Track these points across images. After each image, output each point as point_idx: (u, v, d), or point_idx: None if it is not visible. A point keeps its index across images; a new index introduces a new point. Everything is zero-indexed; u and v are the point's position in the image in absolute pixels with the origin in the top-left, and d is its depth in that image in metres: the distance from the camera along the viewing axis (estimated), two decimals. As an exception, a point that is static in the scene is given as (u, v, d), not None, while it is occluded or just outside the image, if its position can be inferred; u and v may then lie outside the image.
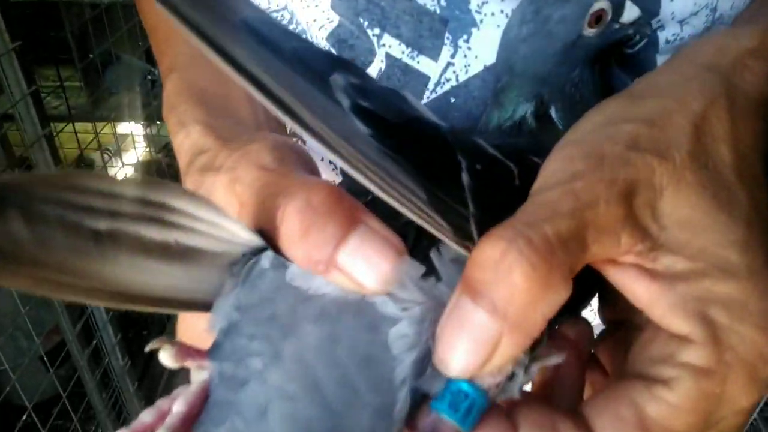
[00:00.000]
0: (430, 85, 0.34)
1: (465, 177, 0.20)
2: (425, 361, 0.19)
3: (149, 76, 1.38)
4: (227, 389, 0.20)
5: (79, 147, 1.22)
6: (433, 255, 0.20)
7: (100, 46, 1.23)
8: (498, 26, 0.32)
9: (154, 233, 0.19)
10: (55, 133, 1.06)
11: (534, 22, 0.28)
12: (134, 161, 1.49)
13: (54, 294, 0.18)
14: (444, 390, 0.19)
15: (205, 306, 0.22)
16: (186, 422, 0.20)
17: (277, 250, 0.21)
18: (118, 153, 1.42)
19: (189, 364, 0.21)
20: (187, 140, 0.32)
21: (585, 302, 0.24)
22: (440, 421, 0.19)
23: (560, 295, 0.18)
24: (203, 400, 0.21)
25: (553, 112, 0.29)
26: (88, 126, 1.28)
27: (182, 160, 0.30)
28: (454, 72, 0.34)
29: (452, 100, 0.34)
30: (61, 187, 0.18)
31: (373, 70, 0.35)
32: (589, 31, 0.28)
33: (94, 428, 1.20)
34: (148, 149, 1.54)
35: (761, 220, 0.20)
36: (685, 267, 0.19)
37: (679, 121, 0.20)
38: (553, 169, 0.20)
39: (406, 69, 0.34)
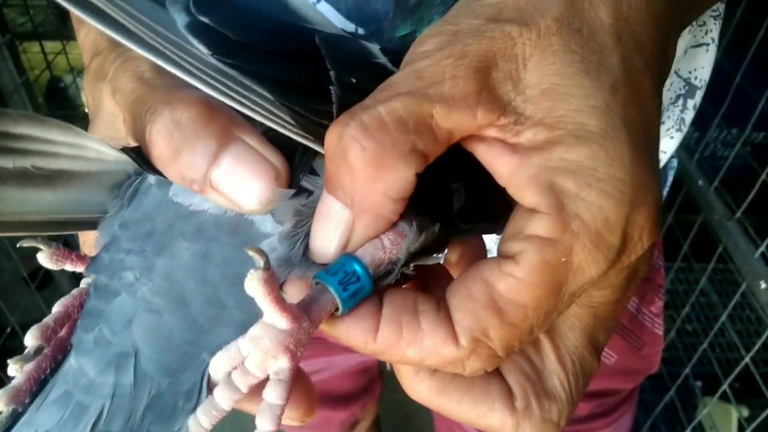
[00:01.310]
0: None
1: (334, 90, 0.19)
2: (301, 269, 0.20)
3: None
4: (99, 299, 0.21)
5: (49, 68, 1.17)
6: (308, 174, 0.20)
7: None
8: None
9: (3, 162, 0.19)
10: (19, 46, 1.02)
11: None
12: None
13: None
14: (337, 267, 0.19)
15: (95, 226, 0.23)
16: (60, 320, 0.22)
17: (152, 167, 0.20)
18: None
19: (68, 267, 0.22)
20: (88, 38, 0.30)
21: (475, 211, 0.23)
22: (321, 294, 0.18)
23: (399, 173, 0.18)
24: (80, 306, 0.22)
25: None
26: (58, 46, 1.23)
27: (85, 60, 0.28)
28: None
29: None
30: None
31: None
32: None
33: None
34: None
35: (630, 83, 0.19)
36: (542, 137, 0.18)
37: None
38: (409, 52, 0.20)
39: None
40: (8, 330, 0.97)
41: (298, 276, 0.20)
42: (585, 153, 0.18)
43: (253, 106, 0.18)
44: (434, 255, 0.22)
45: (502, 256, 0.19)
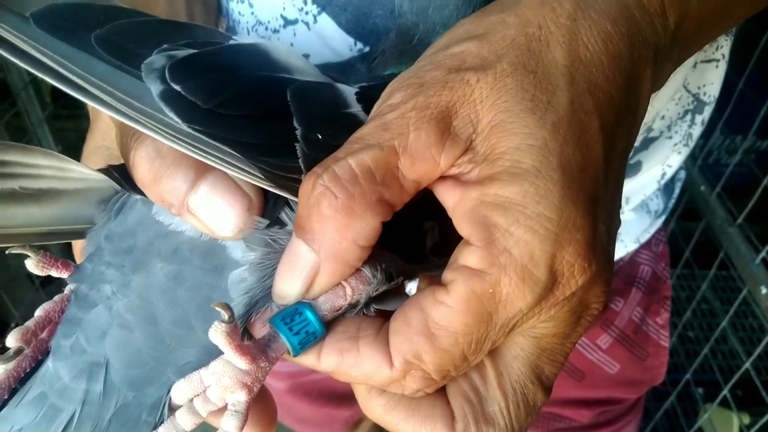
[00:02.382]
0: None
1: (299, 147, 0.21)
2: (259, 305, 0.21)
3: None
4: (78, 308, 0.23)
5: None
6: (284, 208, 0.22)
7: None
8: None
9: None
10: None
11: None
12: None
13: None
14: (286, 310, 0.20)
15: (84, 236, 0.24)
16: (41, 324, 0.23)
17: (135, 188, 0.22)
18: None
19: (54, 273, 0.24)
20: None
21: (431, 251, 0.24)
22: (274, 337, 0.20)
23: (367, 222, 0.19)
24: (62, 311, 0.23)
25: None
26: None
27: None
28: None
29: None
30: None
31: None
32: None
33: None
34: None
35: (576, 124, 0.19)
36: (485, 172, 0.19)
37: (509, 33, 0.21)
38: (378, 103, 0.21)
39: None
40: (12, 325, 0.98)
41: (260, 316, 0.22)
42: (516, 190, 0.19)
43: (225, 164, 0.20)
44: (406, 287, 0.23)
45: (438, 284, 0.20)
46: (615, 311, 0.46)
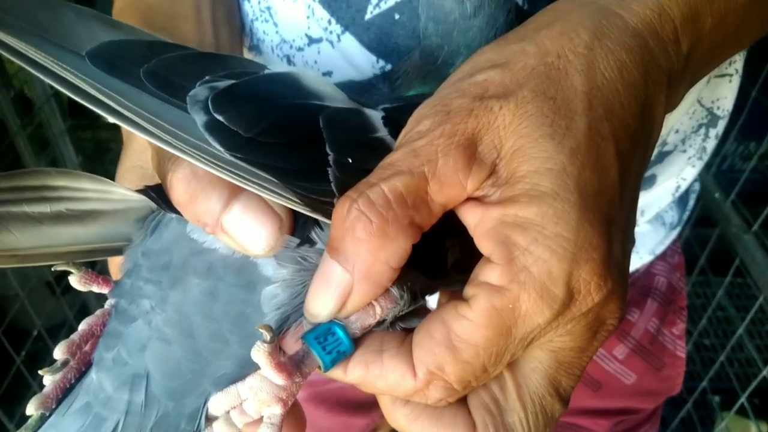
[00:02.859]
0: (373, 0, 0.33)
1: (331, 172, 0.22)
2: (290, 320, 0.22)
3: None
4: (119, 322, 0.24)
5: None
6: (314, 228, 0.23)
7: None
8: None
9: (40, 208, 0.23)
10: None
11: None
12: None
13: None
14: (319, 327, 0.21)
15: (122, 252, 0.25)
16: (85, 337, 0.25)
17: (172, 207, 0.23)
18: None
19: (95, 289, 0.25)
20: None
21: (452, 267, 0.25)
22: (307, 354, 0.21)
23: (400, 245, 0.20)
24: (103, 325, 0.25)
25: None
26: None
27: None
28: None
29: (396, 16, 0.33)
30: None
31: None
32: None
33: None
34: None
35: (592, 149, 0.20)
36: (506, 194, 0.20)
37: (530, 63, 0.22)
38: (405, 129, 0.22)
39: None
40: (34, 333, 1.00)
41: (293, 333, 0.23)
42: (535, 211, 0.20)
43: (262, 190, 0.21)
44: (427, 302, 0.24)
45: (460, 299, 0.21)
46: (631, 322, 0.47)
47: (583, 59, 0.21)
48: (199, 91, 0.21)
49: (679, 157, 0.41)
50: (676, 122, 0.40)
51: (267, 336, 0.20)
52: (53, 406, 0.23)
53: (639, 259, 0.44)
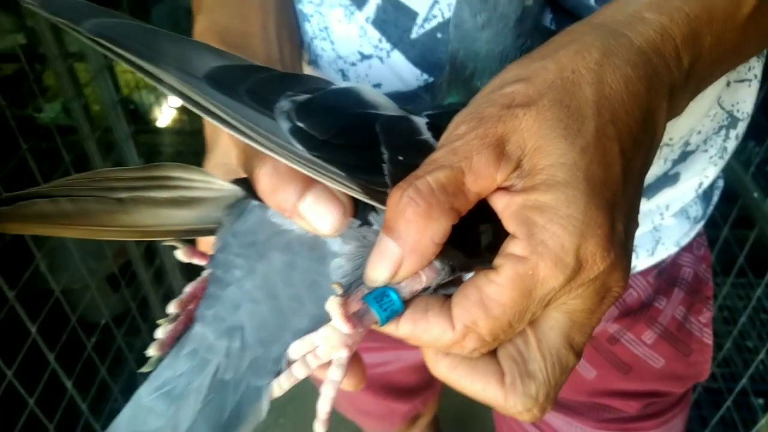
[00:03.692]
0: (419, 21, 0.38)
1: (386, 167, 0.26)
2: (353, 286, 0.27)
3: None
4: (216, 287, 0.29)
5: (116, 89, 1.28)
6: (371, 212, 0.28)
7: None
8: None
9: (162, 194, 0.29)
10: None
11: (485, 10, 0.31)
12: (179, 104, 1.56)
13: (98, 236, 0.27)
14: (376, 291, 0.26)
15: (213, 233, 0.31)
16: (190, 299, 0.30)
17: (257, 196, 0.28)
18: (161, 94, 1.49)
19: (195, 261, 0.31)
20: None
21: (485, 248, 0.29)
22: (367, 311, 0.26)
23: (442, 225, 0.25)
24: (203, 289, 0.30)
25: None
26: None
27: None
28: (439, 9, 0.37)
29: (439, 35, 0.37)
30: (95, 179, 0.28)
31: (371, 5, 0.39)
32: (529, 1, 0.31)
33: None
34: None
35: (600, 147, 0.24)
36: (528, 183, 0.24)
37: (549, 77, 0.25)
38: (446, 133, 0.27)
39: (398, 5, 0.38)
40: (102, 323, 1.09)
41: (356, 295, 0.27)
42: (552, 197, 0.24)
43: (332, 181, 0.26)
44: (461, 276, 0.29)
45: (490, 268, 0.25)
46: (659, 309, 0.50)
47: (594, 74, 0.25)
48: (284, 104, 0.26)
49: (701, 156, 0.44)
50: (698, 124, 0.43)
51: (339, 290, 0.25)
52: (167, 351, 0.28)
53: (665, 250, 0.47)
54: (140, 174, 0.28)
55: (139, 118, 1.51)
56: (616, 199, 0.25)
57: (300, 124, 0.26)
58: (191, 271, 0.32)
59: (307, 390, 0.42)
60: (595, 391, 0.52)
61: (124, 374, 1.15)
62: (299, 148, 0.25)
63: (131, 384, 1.18)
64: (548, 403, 0.27)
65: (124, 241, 0.27)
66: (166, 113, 1.60)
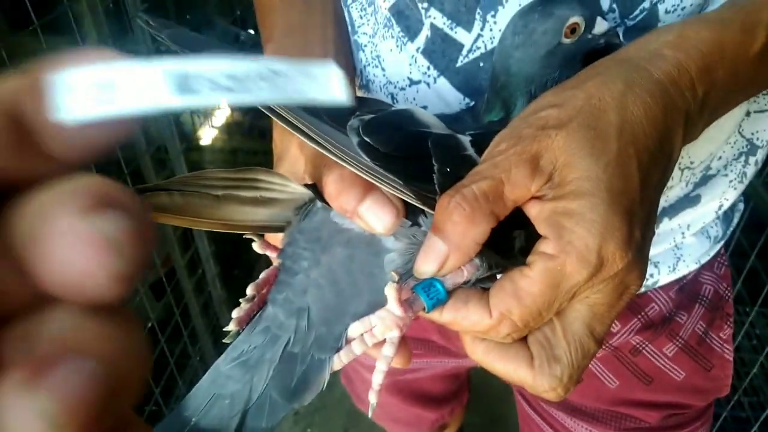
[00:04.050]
0: (464, 52, 0.42)
1: (436, 177, 0.31)
2: (404, 277, 0.31)
3: (242, 37, 1.50)
4: (286, 275, 0.34)
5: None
6: (420, 215, 0.32)
7: (195, 12, 1.36)
8: (519, 5, 0.38)
9: (248, 193, 0.33)
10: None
11: (523, 33, 0.35)
12: (221, 123, 1.64)
13: (195, 226, 0.32)
14: (424, 282, 0.30)
15: (282, 230, 0.35)
16: (264, 284, 0.35)
17: (323, 199, 0.33)
18: (206, 115, 1.57)
19: (268, 253, 0.36)
20: None
21: (518, 251, 0.33)
22: (416, 299, 0.30)
23: (483, 228, 0.28)
24: (275, 276, 0.35)
25: None
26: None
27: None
28: (483, 41, 0.41)
29: (481, 64, 0.42)
30: (199, 178, 0.32)
31: (422, 37, 0.43)
32: (566, 40, 0.35)
33: (198, 348, 1.41)
34: (232, 111, 1.68)
35: (620, 164, 0.28)
36: (558, 193, 0.28)
37: (578, 104, 0.29)
38: (488, 149, 0.31)
39: (446, 37, 0.42)
40: (148, 326, 1.14)
41: (407, 285, 0.31)
42: (578, 204, 0.28)
43: (390, 188, 0.30)
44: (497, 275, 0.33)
45: (525, 265, 0.29)
46: (680, 324, 0.52)
47: (617, 102, 0.29)
48: (354, 122, 0.31)
49: (721, 180, 0.47)
50: (719, 151, 0.46)
51: (396, 277, 0.30)
52: (244, 327, 0.33)
53: (686, 267, 0.50)
54: (236, 175, 0.32)
55: (185, 137, 1.60)
56: (634, 208, 0.28)
57: (366, 139, 0.31)
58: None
59: (334, 402, 0.47)
60: (617, 401, 0.55)
61: (162, 380, 1.20)
62: (366, 158, 0.30)
63: (170, 389, 1.22)
64: (571, 384, 0.30)
65: (213, 231, 0.31)
66: (208, 133, 1.69)
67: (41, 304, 0.12)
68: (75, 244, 0.11)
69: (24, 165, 0.13)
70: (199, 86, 0.13)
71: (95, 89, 0.12)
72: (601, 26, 0.35)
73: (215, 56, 0.13)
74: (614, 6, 0.39)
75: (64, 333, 0.12)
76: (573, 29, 0.35)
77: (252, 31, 1.46)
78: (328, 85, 0.14)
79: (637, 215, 0.29)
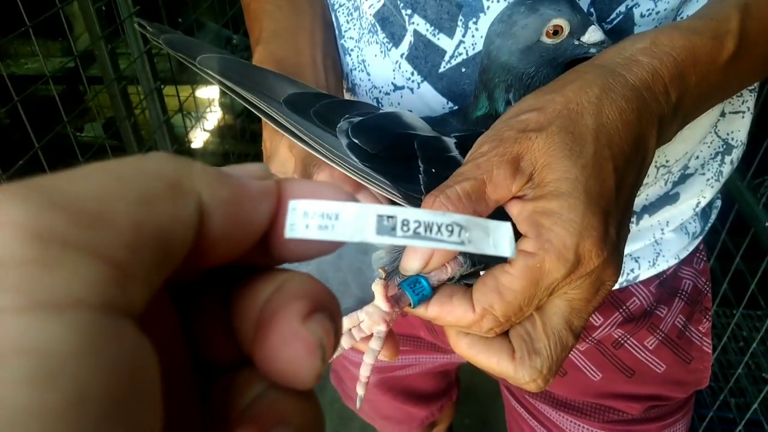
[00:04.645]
0: (446, 57, 0.43)
1: (421, 177, 0.32)
2: (391, 274, 0.33)
3: (234, 40, 1.51)
4: None
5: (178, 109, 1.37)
6: None
7: (187, 15, 1.37)
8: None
9: None
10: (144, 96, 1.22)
11: (506, 23, 0.36)
12: (213, 126, 1.65)
13: None
14: (410, 278, 0.32)
15: None
16: None
17: None
18: (198, 118, 1.57)
19: None
20: None
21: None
22: (403, 295, 0.31)
23: None
24: None
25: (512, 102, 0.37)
26: (172, 90, 1.44)
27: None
28: (464, 48, 0.42)
29: (463, 70, 0.43)
30: None
31: (405, 44, 0.44)
32: (547, 40, 0.36)
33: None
34: (223, 114, 1.69)
35: (597, 166, 0.29)
36: (537, 193, 0.29)
37: (557, 108, 0.31)
38: (471, 151, 0.32)
39: (429, 44, 0.43)
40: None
41: (394, 282, 0.32)
42: (557, 204, 0.29)
43: (378, 188, 0.31)
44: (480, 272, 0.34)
45: (505, 262, 0.30)
46: (660, 317, 0.54)
47: (594, 106, 0.30)
48: (343, 124, 0.32)
49: (699, 179, 0.49)
50: (696, 150, 0.48)
51: (383, 274, 0.31)
52: None
53: (665, 262, 0.51)
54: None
55: (176, 139, 1.60)
56: (610, 208, 0.30)
57: (355, 140, 0.32)
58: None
59: (325, 405, 0.48)
60: (601, 393, 0.56)
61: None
62: (354, 159, 0.31)
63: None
64: (551, 375, 0.31)
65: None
66: (200, 136, 1.69)
67: (241, 363, 0.16)
68: (297, 348, 0.14)
69: (254, 257, 0.16)
70: (396, 230, 0.16)
71: (320, 218, 0.16)
72: (593, 35, 0.36)
73: (414, 208, 0.17)
74: (591, 10, 0.40)
75: (274, 403, 0.15)
76: (556, 31, 0.35)
77: (243, 36, 1.47)
78: (499, 242, 0.17)
79: (613, 215, 0.30)
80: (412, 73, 0.45)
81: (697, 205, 0.49)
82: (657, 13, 0.40)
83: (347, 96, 0.52)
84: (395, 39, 0.45)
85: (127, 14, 1.04)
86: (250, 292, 0.16)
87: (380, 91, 0.47)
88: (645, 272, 0.51)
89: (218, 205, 0.14)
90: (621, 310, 0.53)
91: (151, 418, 0.11)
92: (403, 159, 0.33)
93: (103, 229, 0.11)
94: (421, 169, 0.32)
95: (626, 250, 0.42)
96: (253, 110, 0.31)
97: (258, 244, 0.16)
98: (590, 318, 0.33)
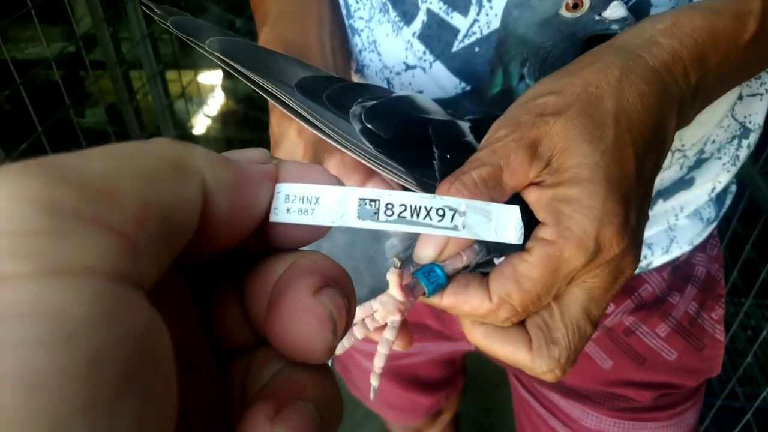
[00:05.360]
0: (459, 36, 0.42)
1: (436, 164, 0.31)
2: (405, 263, 0.32)
3: (236, 24, 1.49)
4: None
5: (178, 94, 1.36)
6: None
7: (190, -2, 1.35)
8: None
9: None
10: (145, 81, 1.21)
11: None
12: (215, 112, 1.63)
13: None
14: (424, 267, 0.31)
15: None
16: None
17: None
18: (200, 103, 1.56)
19: None
20: None
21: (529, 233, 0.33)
22: (417, 284, 0.30)
23: None
24: None
25: (526, 81, 0.36)
26: (174, 74, 1.43)
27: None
28: (479, 26, 0.41)
29: (476, 49, 0.42)
30: None
31: (418, 22, 0.43)
32: (566, 14, 0.34)
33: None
34: (226, 100, 1.68)
35: (617, 150, 0.28)
36: (556, 179, 0.29)
37: (576, 91, 0.30)
38: (487, 136, 0.31)
39: (442, 22, 0.42)
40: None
41: (408, 271, 0.31)
42: (577, 191, 0.28)
43: (392, 175, 0.30)
44: (495, 260, 0.33)
45: (523, 250, 0.29)
46: (672, 304, 0.53)
47: (614, 89, 0.29)
48: (356, 109, 0.31)
49: (714, 163, 0.48)
50: (712, 134, 0.47)
51: (398, 263, 0.30)
52: None
53: (679, 249, 0.50)
54: None
55: (178, 124, 1.59)
56: (630, 194, 0.29)
57: (368, 126, 0.31)
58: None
59: None
60: (611, 381, 0.56)
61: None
62: (368, 145, 0.30)
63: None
64: (568, 365, 0.31)
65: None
66: (202, 122, 1.68)
67: (256, 344, 0.17)
68: (308, 321, 0.14)
69: (259, 244, 0.17)
70: (379, 215, 0.16)
71: (300, 202, 0.16)
72: (616, 11, 0.34)
73: (402, 191, 0.16)
74: None
75: (291, 379, 0.15)
76: (576, 4, 0.34)
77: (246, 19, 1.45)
78: (503, 227, 0.16)
79: (633, 201, 0.29)
80: (425, 53, 0.44)
81: (712, 190, 0.48)
82: None
83: (356, 78, 0.51)
84: (407, 17, 0.44)
85: (128, -2, 1.03)
86: (262, 272, 0.16)
87: (391, 71, 0.46)
88: (658, 259, 0.50)
89: (221, 187, 0.14)
90: (633, 297, 0.52)
91: (165, 390, 0.11)
92: (418, 144, 0.32)
93: (112, 204, 0.12)
94: (435, 155, 0.31)
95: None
96: (263, 94, 0.29)
97: (260, 229, 0.16)
98: None
